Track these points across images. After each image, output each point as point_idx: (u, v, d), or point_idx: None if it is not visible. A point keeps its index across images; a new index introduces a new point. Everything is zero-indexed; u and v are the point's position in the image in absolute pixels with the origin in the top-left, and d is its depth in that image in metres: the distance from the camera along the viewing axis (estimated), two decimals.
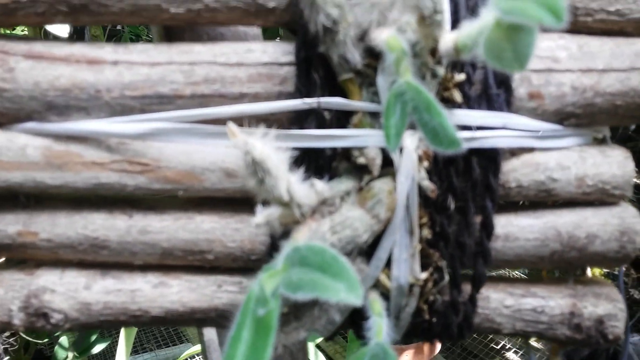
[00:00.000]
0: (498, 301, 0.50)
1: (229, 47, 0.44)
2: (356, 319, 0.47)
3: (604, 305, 0.50)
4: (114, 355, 1.41)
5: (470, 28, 0.36)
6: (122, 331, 1.39)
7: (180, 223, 0.48)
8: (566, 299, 0.50)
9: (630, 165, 0.49)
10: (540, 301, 0.50)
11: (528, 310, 0.50)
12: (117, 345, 1.40)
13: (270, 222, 0.43)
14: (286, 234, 0.43)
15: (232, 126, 0.36)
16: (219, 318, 0.50)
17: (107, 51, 0.44)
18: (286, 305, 0.44)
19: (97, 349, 1.63)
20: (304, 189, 0.41)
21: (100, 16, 0.44)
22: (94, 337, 1.64)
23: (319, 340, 1.53)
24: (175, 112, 0.44)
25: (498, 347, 2.15)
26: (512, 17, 0.28)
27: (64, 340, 1.56)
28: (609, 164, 0.48)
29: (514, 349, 2.08)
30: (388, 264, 0.45)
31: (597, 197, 0.48)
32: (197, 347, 1.57)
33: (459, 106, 0.43)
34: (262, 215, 0.43)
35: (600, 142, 0.50)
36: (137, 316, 0.49)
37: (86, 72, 0.44)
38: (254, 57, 0.44)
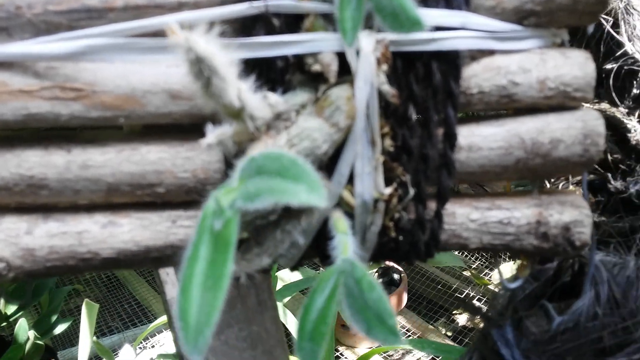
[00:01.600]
0: (464, 216, 0.48)
1: None
2: (320, 241, 0.44)
3: (569, 212, 0.49)
4: (78, 337, 1.36)
5: None
6: (84, 308, 1.34)
7: (124, 155, 0.44)
8: (532, 208, 0.49)
9: (591, 66, 0.47)
10: (506, 213, 0.49)
11: (494, 223, 0.48)
12: (80, 324, 1.35)
13: (223, 141, 0.40)
14: (241, 154, 0.40)
15: (171, 24, 0.32)
16: (176, 256, 0.47)
17: None
18: (246, 230, 0.41)
19: (59, 329, 1.57)
20: (256, 99, 0.38)
21: None
22: (54, 318, 1.58)
23: (286, 300, 1.52)
24: (106, 27, 0.40)
25: (462, 296, 2.20)
26: None
27: (23, 322, 1.50)
28: (570, 65, 0.47)
29: (478, 296, 2.13)
30: (351, 180, 0.43)
31: (559, 101, 0.47)
32: (164, 318, 1.53)
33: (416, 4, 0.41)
34: (214, 134, 0.39)
35: (559, 46, 0.49)
36: (87, 259, 0.45)
37: None
38: None
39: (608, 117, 0.89)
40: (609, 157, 0.90)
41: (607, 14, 0.85)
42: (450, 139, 0.45)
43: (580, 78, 0.47)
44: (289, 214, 0.42)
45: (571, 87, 0.47)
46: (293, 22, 0.40)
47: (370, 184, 0.43)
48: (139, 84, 0.42)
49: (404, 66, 0.43)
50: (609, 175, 0.87)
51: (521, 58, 0.46)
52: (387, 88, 0.41)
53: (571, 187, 0.93)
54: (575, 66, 0.47)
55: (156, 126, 0.45)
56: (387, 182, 0.44)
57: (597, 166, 0.91)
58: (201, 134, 0.43)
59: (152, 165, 0.44)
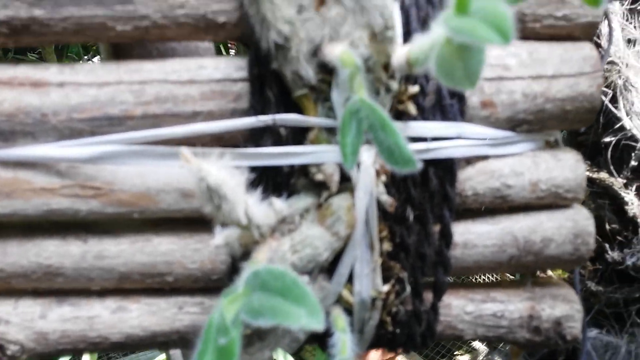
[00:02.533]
0: (459, 308, 0.50)
1: (180, 64, 0.43)
2: (320, 335, 0.46)
3: (561, 307, 0.51)
4: None
5: (421, 43, 0.36)
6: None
7: (137, 246, 0.47)
8: (525, 302, 0.51)
9: (582, 167, 0.50)
10: (500, 306, 0.51)
11: (489, 316, 0.50)
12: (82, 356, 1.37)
13: (230, 243, 0.42)
14: (247, 253, 0.43)
15: (185, 152, 0.35)
16: (182, 340, 0.49)
17: (52, 72, 0.43)
18: (249, 327, 0.43)
19: None
20: (262, 209, 0.41)
21: (43, 36, 0.42)
22: None
23: None
24: (125, 134, 0.43)
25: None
26: (462, 37, 0.28)
27: None
28: (562, 167, 0.49)
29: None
30: (350, 278, 0.45)
31: (551, 201, 0.49)
32: (162, 356, 1.54)
33: (414, 118, 0.44)
34: (221, 236, 0.42)
35: (552, 145, 0.52)
36: (97, 343, 0.48)
37: (31, 95, 0.42)
38: (206, 74, 0.43)
39: (606, 187, 0.91)
40: (607, 227, 0.91)
41: (606, 87, 0.87)
42: (447, 238, 0.47)
43: (571, 180, 0.49)
44: None
45: (562, 188, 0.49)
46: (299, 132, 0.43)
47: (369, 283, 0.45)
48: (153, 183, 0.45)
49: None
50: (607, 245, 0.88)
51: (514, 162, 0.48)
52: (386, 198, 0.43)
53: None
54: (566, 168, 0.49)
55: (168, 218, 0.48)
56: (385, 279, 0.47)
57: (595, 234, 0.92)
58: (209, 226, 0.45)
59: (163, 256, 0.47)
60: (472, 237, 0.49)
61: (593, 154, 0.97)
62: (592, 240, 0.50)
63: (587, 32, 0.46)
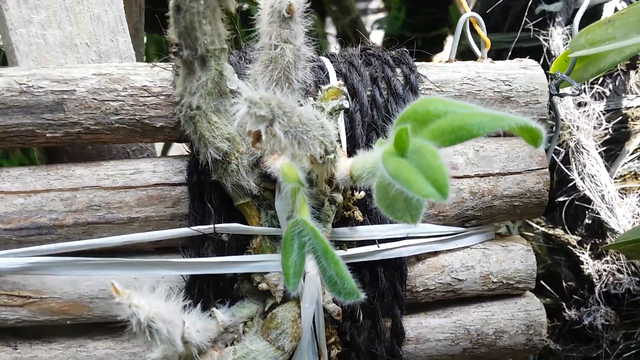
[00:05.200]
0: None
1: (114, 169, 0.41)
2: None
3: None
4: None
5: (364, 161, 0.35)
6: None
7: (70, 351, 0.44)
8: None
9: (532, 257, 0.49)
10: None
11: None
12: None
13: (169, 356, 0.40)
14: None
15: (115, 284, 0.33)
16: None
17: None
18: None
19: None
20: (202, 323, 0.39)
21: None
22: None
23: None
24: (55, 245, 0.40)
25: None
26: (398, 185, 0.27)
27: None
28: (512, 259, 0.48)
29: None
30: None
31: (503, 292, 0.49)
32: None
33: (362, 223, 0.42)
34: (159, 350, 0.40)
35: (503, 236, 0.51)
36: None
37: None
38: (142, 179, 0.41)
39: (561, 244, 0.91)
40: (564, 284, 0.92)
41: (559, 146, 0.88)
42: (398, 336, 0.46)
43: (522, 271, 0.49)
44: None
45: (513, 280, 0.48)
46: (242, 237, 0.41)
47: None
48: (86, 290, 0.42)
49: (352, 273, 0.43)
50: (564, 304, 0.88)
51: (464, 255, 0.47)
52: (333, 307, 0.42)
53: None
54: (517, 260, 0.49)
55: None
56: None
57: (552, 291, 0.93)
58: None
59: None
60: (425, 331, 0.48)
61: (548, 210, 0.97)
62: (544, 331, 0.49)
63: None
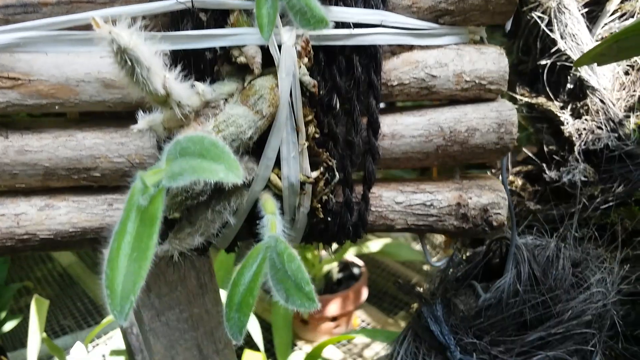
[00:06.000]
0: (390, 199, 0.52)
1: None
2: (252, 223, 0.47)
3: (487, 195, 0.53)
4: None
5: None
6: (33, 305, 1.32)
7: (60, 140, 0.46)
8: (453, 192, 0.52)
9: (505, 61, 0.51)
10: (429, 196, 0.52)
11: (418, 205, 0.52)
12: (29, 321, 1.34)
13: (154, 127, 0.42)
14: (172, 139, 0.43)
15: (95, 17, 0.35)
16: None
17: None
18: (177, 210, 0.44)
19: (8, 326, 1.55)
20: (184, 89, 0.41)
21: None
22: (2, 315, 1.56)
23: None
24: (41, 20, 0.42)
25: (422, 290, 2.24)
26: None
27: None
28: (485, 60, 0.50)
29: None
30: (278, 164, 0.46)
31: (476, 94, 0.51)
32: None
33: (336, 3, 0.44)
34: (144, 120, 0.42)
35: (478, 43, 0.53)
36: (25, 240, 0.47)
37: None
38: None
39: (544, 111, 0.94)
40: (545, 149, 0.94)
41: (543, 13, 0.89)
42: (373, 126, 0.48)
43: (494, 72, 0.50)
44: (219, 195, 0.44)
45: (486, 80, 0.50)
46: (219, 17, 0.43)
47: (296, 167, 0.45)
48: (73, 73, 0.44)
49: (328, 60, 0.45)
50: (544, 165, 0.91)
51: (438, 53, 0.49)
52: (308, 79, 0.43)
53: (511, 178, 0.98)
54: (489, 61, 0.50)
55: (92, 113, 0.47)
56: (314, 166, 0.47)
57: (534, 157, 0.95)
58: (135, 121, 0.45)
59: (88, 150, 0.46)
60: (400, 127, 0.50)
61: (532, 81, 0.99)
62: (514, 129, 0.51)
63: None
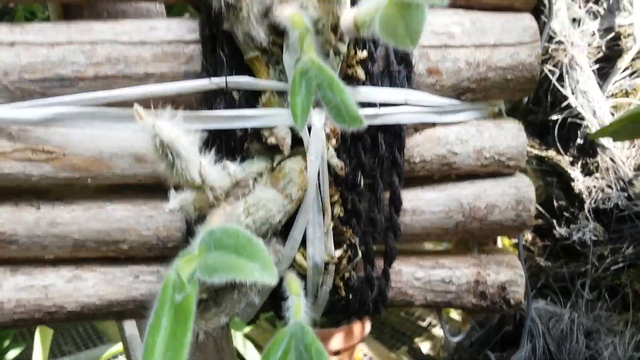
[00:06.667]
0: (409, 274, 0.52)
1: (131, 25, 0.44)
2: (275, 300, 0.47)
3: (505, 272, 0.53)
4: None
5: (367, 5, 0.37)
6: (37, 334, 1.32)
7: (91, 213, 0.47)
8: (471, 267, 0.53)
9: (523, 136, 0.52)
10: (448, 272, 0.53)
11: (437, 281, 0.52)
12: (33, 350, 1.33)
13: (185, 206, 0.43)
14: (201, 218, 0.43)
15: (138, 108, 0.36)
16: (138, 309, 0.49)
17: (2, 31, 0.42)
18: (205, 291, 0.44)
19: (12, 354, 1.54)
20: (216, 172, 0.42)
21: None
22: (6, 343, 1.55)
23: (247, 329, 1.53)
24: (78, 95, 0.43)
25: (425, 324, 2.23)
26: None
27: None
28: (504, 136, 0.51)
29: (440, 324, 2.16)
30: (303, 243, 0.46)
31: (495, 169, 0.52)
32: (119, 346, 1.52)
33: (363, 83, 0.45)
34: (176, 200, 0.42)
35: (496, 115, 0.54)
36: (52, 312, 0.47)
37: None
38: (157, 35, 0.44)
39: (554, 164, 0.95)
40: (555, 204, 0.95)
41: (554, 66, 0.91)
42: (396, 203, 0.49)
43: (513, 148, 0.52)
44: None
45: (505, 156, 0.51)
46: (251, 96, 0.44)
47: (321, 247, 0.46)
48: (106, 147, 0.45)
49: (353, 138, 0.47)
50: (554, 221, 0.92)
51: (459, 129, 0.50)
52: (336, 161, 0.44)
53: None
54: (509, 137, 0.51)
55: (122, 185, 0.48)
56: (338, 244, 0.48)
57: (544, 211, 0.96)
58: (164, 193, 0.46)
59: (117, 223, 0.47)
60: (421, 203, 0.51)
61: (542, 133, 1.00)
62: (532, 207, 0.52)
63: (528, 4, 0.48)
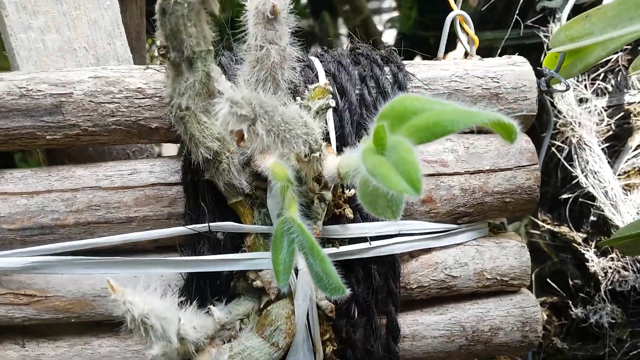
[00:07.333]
0: None
1: (112, 169, 0.43)
2: None
3: None
4: None
5: (349, 160, 0.36)
6: None
7: (76, 349, 0.46)
8: None
9: (526, 254, 0.50)
10: None
11: None
12: None
13: (168, 353, 0.41)
14: None
15: (111, 280, 0.34)
16: None
17: None
18: None
19: None
20: (199, 320, 0.40)
21: None
22: None
23: None
24: (57, 244, 0.42)
25: None
26: (375, 181, 0.28)
27: None
28: (506, 255, 0.49)
29: None
30: None
31: (498, 289, 0.49)
32: None
33: (353, 220, 0.43)
34: (158, 346, 0.41)
35: (497, 231, 0.52)
36: None
37: None
38: (139, 179, 0.42)
39: (567, 241, 0.91)
40: (570, 282, 0.91)
41: (563, 142, 0.88)
42: (394, 333, 0.47)
43: (516, 268, 0.49)
44: None
45: (508, 277, 0.49)
46: (237, 236, 0.43)
47: None
48: (89, 289, 0.44)
49: (345, 270, 0.45)
50: (570, 302, 0.88)
51: (457, 252, 0.48)
52: (325, 303, 0.42)
53: None
54: (511, 256, 0.49)
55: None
56: None
57: (559, 289, 0.93)
58: None
59: (104, 359, 0.45)
60: (421, 328, 0.48)
61: (553, 206, 0.97)
62: (539, 327, 0.49)
63: (523, 125, 0.46)
